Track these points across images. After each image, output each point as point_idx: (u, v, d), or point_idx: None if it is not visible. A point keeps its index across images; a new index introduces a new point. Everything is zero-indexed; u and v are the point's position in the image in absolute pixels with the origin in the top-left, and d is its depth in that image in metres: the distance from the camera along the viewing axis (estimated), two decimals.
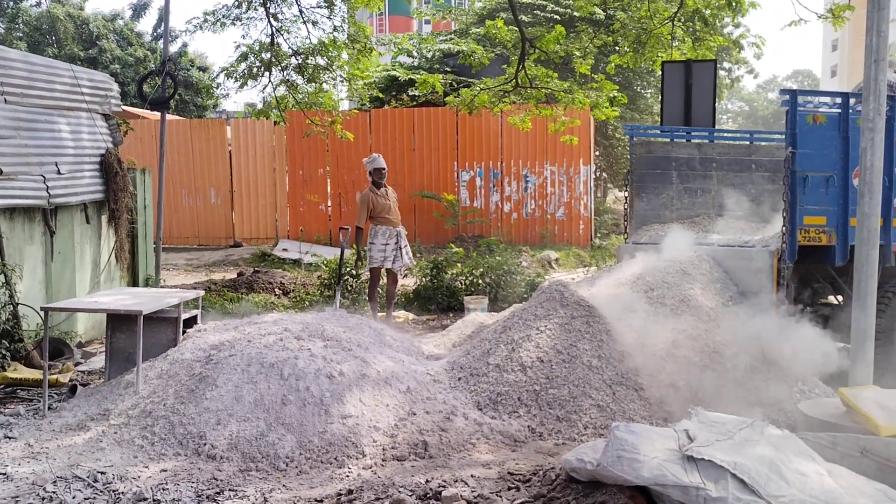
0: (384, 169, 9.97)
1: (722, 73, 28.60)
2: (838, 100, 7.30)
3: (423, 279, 11.67)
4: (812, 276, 7.74)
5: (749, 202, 9.52)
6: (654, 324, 6.80)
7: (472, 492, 4.72)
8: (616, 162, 23.84)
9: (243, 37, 36.60)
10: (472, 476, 5.04)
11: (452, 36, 23.83)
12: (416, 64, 22.33)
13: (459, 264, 11.88)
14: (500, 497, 4.57)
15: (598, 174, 24.11)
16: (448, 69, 21.70)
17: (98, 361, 8.39)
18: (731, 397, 6.26)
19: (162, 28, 34.60)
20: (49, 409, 6.35)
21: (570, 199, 19.83)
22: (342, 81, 16.28)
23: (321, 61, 14.41)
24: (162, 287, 11.27)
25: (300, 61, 14.22)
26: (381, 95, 18.63)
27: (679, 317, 6.92)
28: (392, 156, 19.93)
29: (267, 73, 14.14)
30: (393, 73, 21.41)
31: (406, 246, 9.86)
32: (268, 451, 5.31)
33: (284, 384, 5.74)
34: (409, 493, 4.70)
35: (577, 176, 19.79)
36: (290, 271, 15.71)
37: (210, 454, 5.31)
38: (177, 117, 21.94)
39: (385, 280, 10.22)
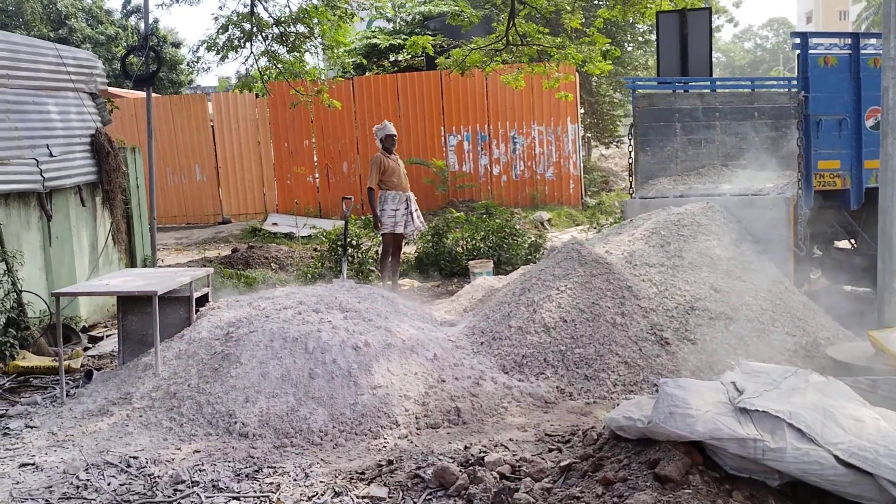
0: (395, 135, 9.95)
1: None
2: (848, 41, 7.22)
3: (424, 245, 11.55)
4: (824, 222, 7.70)
5: (753, 151, 9.45)
6: (674, 278, 6.75)
7: (514, 455, 4.67)
8: (601, 119, 23.73)
9: (220, 8, 36.03)
10: (510, 440, 4.99)
11: None
12: (395, 29, 21.98)
13: (459, 229, 11.76)
14: (544, 459, 4.52)
15: (583, 132, 24.00)
16: (429, 32, 21.40)
17: (107, 345, 8.26)
18: (758, 348, 6.23)
19: (131, 4, 34.03)
20: (67, 395, 6.22)
21: (559, 159, 19.73)
22: (324, 49, 16.04)
23: (302, 29, 14.18)
24: (160, 267, 11.10)
25: (282, 30, 13.97)
26: (364, 62, 18.35)
27: (698, 270, 6.87)
28: (377, 123, 19.69)
29: (248, 44, 13.91)
30: (373, 40, 21.10)
31: (417, 210, 9.75)
32: (300, 425, 5.22)
33: (310, 358, 5.64)
34: (450, 461, 4.63)
35: (565, 135, 19.67)
36: (284, 245, 15.56)
37: (242, 432, 5.21)
38: (154, 95, 21.47)
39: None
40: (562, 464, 4.32)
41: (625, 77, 12.72)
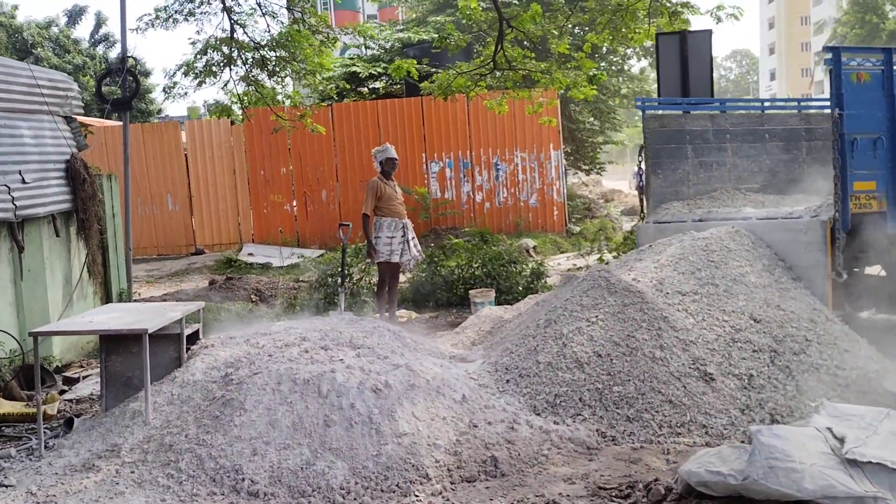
0: (396, 159, 9.40)
1: None
2: (881, 56, 6.84)
3: (419, 274, 10.99)
4: (855, 247, 7.28)
5: (766, 174, 9.07)
6: (710, 307, 6.25)
7: None
8: (581, 146, 23.41)
9: (198, 33, 35.54)
10: (560, 495, 4.42)
11: (407, 25, 23.12)
12: (374, 56, 21.54)
13: (454, 257, 11.22)
14: None
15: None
16: (409, 59, 21.01)
17: (84, 388, 7.55)
18: (808, 383, 5.74)
19: (99, 33, 33.28)
20: (45, 447, 5.53)
21: (543, 186, 19.35)
22: (305, 75, 15.53)
23: (283, 54, 13.71)
24: (136, 301, 10.41)
25: (264, 54, 13.48)
26: (347, 86, 17.88)
27: (735, 298, 6.38)
28: (357, 150, 19.22)
29: (228, 69, 13.38)
30: (352, 68, 20.64)
31: (414, 238, 9.21)
32: (318, 482, 4.59)
33: (325, 403, 5.03)
34: None
35: (548, 161, 19.32)
36: (262, 276, 14.90)
37: (251, 490, 4.58)
38: (118, 124, 20.78)
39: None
40: None
41: (635, 98, 12.33)
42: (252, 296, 13.16)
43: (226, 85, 13.81)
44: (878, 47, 7.06)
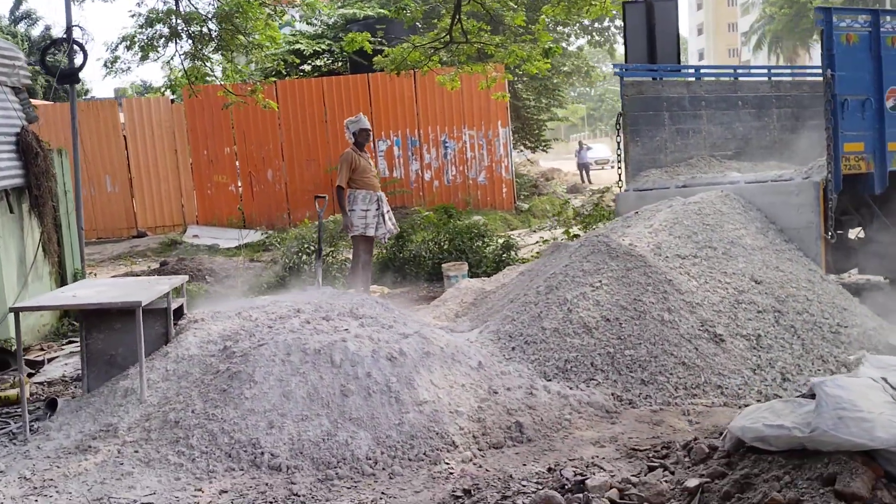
0: (370, 130, 9.07)
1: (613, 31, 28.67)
2: (868, 17, 6.88)
3: (387, 249, 10.76)
4: (840, 208, 7.34)
5: (739, 141, 9.12)
6: (712, 270, 6.21)
7: (613, 477, 3.98)
8: (526, 123, 23.38)
9: (139, 4, 34.44)
10: (594, 458, 4.29)
11: (351, 1, 22.65)
12: (319, 32, 21.05)
13: (422, 232, 11.02)
14: (659, 481, 3.83)
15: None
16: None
17: (54, 370, 7.13)
18: (814, 342, 5.75)
19: (20, 10, 31.81)
20: (30, 430, 5.17)
21: (491, 163, 19.28)
22: (252, 49, 15.04)
23: (231, 26, 13.23)
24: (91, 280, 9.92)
25: (211, 27, 12.99)
26: (296, 61, 17.43)
27: (734, 260, 6.35)
28: (303, 128, 18.82)
29: (173, 43, 12.83)
30: (297, 45, 20.12)
31: (389, 211, 8.95)
32: (343, 453, 4.37)
33: (339, 372, 4.80)
34: (538, 487, 3.91)
35: (497, 139, 19.24)
36: (209, 257, 14.45)
37: (272, 465, 4.33)
38: (58, 103, 19.85)
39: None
40: (686, 484, 3.66)
41: (614, 64, 12.15)
42: (207, 276, 12.77)
43: (170, 60, 13.30)
44: (866, 9, 7.09)
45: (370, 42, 13.36)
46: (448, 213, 12.04)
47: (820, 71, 6.99)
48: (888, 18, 6.93)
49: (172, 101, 19.40)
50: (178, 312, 6.22)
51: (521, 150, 25.70)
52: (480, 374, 5.07)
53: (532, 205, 19.42)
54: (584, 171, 27.13)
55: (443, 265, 9.60)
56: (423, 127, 19.07)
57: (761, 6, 48.30)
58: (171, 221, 19.08)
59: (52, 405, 5.53)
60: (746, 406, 5.13)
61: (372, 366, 4.84)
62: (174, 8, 12.50)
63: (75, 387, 6.28)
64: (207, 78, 14.25)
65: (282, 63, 17.16)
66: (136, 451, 4.55)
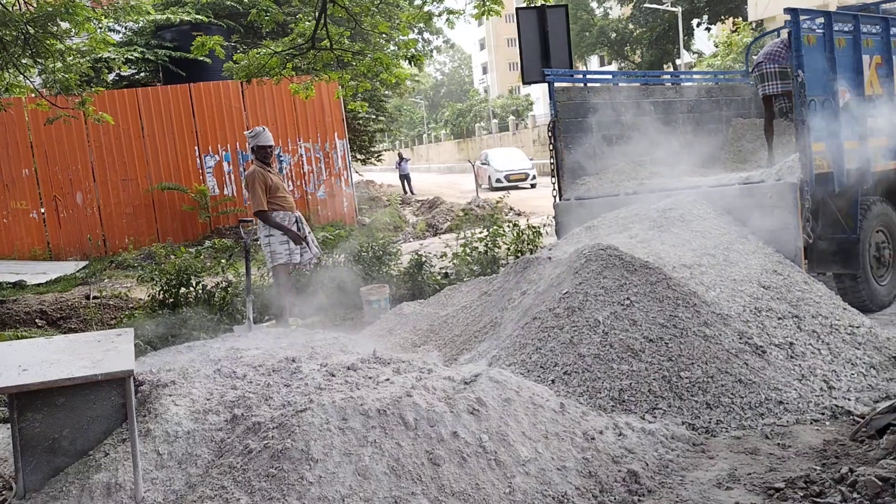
0: (271, 146, 7.89)
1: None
2: (822, 19, 6.92)
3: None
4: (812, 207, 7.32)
5: (654, 146, 9.03)
6: (721, 278, 5.90)
7: None
8: (357, 135, 22.64)
9: None
10: None
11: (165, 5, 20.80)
12: (126, 40, 19.09)
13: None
14: None
15: None
16: (167, 43, 18.90)
17: None
18: (837, 346, 5.59)
19: None
20: None
21: (330, 177, 18.47)
22: (69, 55, 13.23)
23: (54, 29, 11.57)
24: None
25: (27, 30, 11.23)
26: (105, 71, 15.62)
27: (735, 266, 6.09)
28: (117, 146, 17.05)
29: None
30: (104, 53, 18.09)
31: (310, 232, 7.94)
32: None
33: (418, 436, 3.92)
34: None
35: (334, 151, 18.46)
36: (45, 294, 12.52)
37: None
38: None
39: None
40: None
41: (545, 69, 11.53)
42: (38, 320, 11.04)
43: None
44: (821, 10, 7.14)
45: (235, 41, 12.14)
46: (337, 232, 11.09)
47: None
48: (839, 19, 7.03)
49: None
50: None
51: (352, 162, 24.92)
52: (566, 417, 4.37)
53: (374, 218, 18.73)
54: (405, 182, 26.75)
55: (361, 289, 8.71)
56: None
57: None
58: None
59: None
60: (815, 421, 4.88)
61: (454, 423, 4.01)
62: None
63: (5, 489, 4.83)
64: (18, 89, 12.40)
65: (91, 72, 15.33)
66: None
